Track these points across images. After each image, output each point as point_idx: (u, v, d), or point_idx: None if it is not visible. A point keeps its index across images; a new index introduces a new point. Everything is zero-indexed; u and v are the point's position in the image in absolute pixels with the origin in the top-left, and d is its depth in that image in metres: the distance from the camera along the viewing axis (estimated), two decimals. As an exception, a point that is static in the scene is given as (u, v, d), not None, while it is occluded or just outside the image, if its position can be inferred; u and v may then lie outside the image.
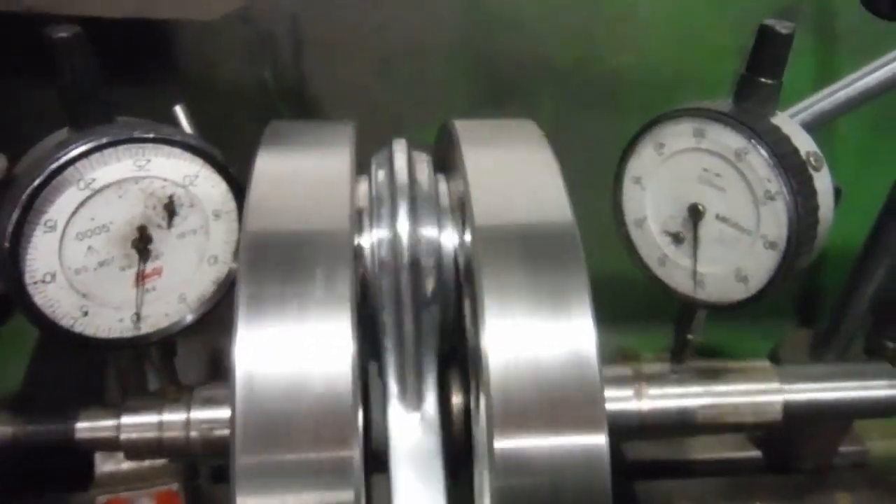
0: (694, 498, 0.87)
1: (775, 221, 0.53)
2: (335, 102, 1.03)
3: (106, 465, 0.82)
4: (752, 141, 0.52)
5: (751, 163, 0.52)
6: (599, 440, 0.45)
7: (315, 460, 0.44)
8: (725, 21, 1.01)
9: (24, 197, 0.47)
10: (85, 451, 0.80)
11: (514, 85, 1.04)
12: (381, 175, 0.54)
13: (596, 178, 0.62)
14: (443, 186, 0.57)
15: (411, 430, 0.51)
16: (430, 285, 0.51)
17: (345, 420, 0.44)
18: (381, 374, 0.52)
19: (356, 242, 0.49)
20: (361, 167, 0.55)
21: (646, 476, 0.88)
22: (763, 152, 0.51)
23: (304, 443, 0.44)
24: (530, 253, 0.49)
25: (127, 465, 0.82)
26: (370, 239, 0.52)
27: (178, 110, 0.59)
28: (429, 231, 0.51)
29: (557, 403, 0.45)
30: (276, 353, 0.45)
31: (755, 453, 0.94)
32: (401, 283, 0.50)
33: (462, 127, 0.58)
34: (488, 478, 0.44)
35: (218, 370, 0.99)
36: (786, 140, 0.52)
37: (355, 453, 0.43)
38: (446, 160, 0.66)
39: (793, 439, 0.90)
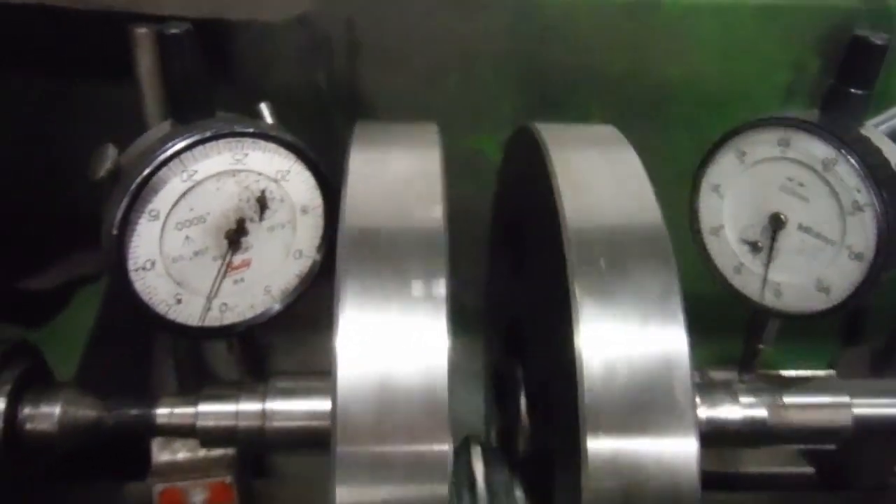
0: None
1: (862, 233, 0.53)
2: (386, 107, 1.04)
3: (162, 454, 0.83)
4: (842, 150, 0.52)
5: (839, 173, 0.53)
6: (690, 445, 0.46)
7: (410, 453, 0.45)
8: (774, 35, 1.01)
9: (133, 186, 0.49)
10: (142, 441, 0.82)
11: (562, 95, 1.05)
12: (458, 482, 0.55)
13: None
14: (519, 493, 0.58)
15: None
16: None
17: (439, 415, 0.45)
18: None
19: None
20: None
21: (698, 488, 0.87)
22: (853, 162, 0.52)
23: (400, 436, 0.45)
24: (622, 258, 0.50)
25: (182, 456, 0.83)
26: None
27: (264, 107, 0.60)
28: None
29: (649, 407, 0.46)
30: (374, 347, 0.46)
31: (808, 469, 0.93)
32: None
33: (546, 130, 0.59)
34: (581, 479, 0.45)
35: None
36: (876, 151, 0.53)
37: (447, 447, 0.44)
38: (522, 166, 0.68)
39: (848, 456, 0.89)
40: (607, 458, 0.45)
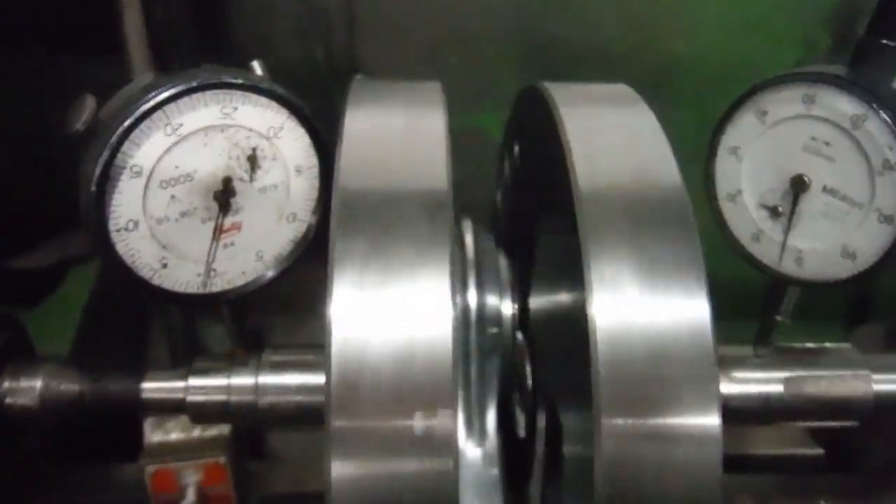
0: (755, 493, 0.84)
1: (893, 194, 0.50)
2: (385, 84, 1.01)
3: (155, 435, 0.81)
4: (873, 105, 0.49)
5: (869, 130, 0.50)
6: (713, 420, 0.43)
7: (412, 427, 0.41)
8: (786, 10, 0.98)
9: (113, 139, 0.46)
10: (135, 421, 0.79)
11: (565, 71, 1.02)
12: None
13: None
14: (503, 261, 0.62)
15: (476, 465, 0.56)
16: (491, 340, 0.57)
17: (443, 387, 0.42)
18: None
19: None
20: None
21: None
22: (885, 118, 0.49)
23: (401, 409, 0.42)
24: (639, 222, 0.46)
25: (175, 436, 0.82)
26: None
27: (256, 65, 0.57)
28: (492, 300, 0.58)
29: (669, 381, 0.43)
30: (372, 316, 0.43)
31: (818, 451, 0.91)
32: (469, 339, 0.56)
33: (555, 89, 0.56)
34: (596, 452, 0.42)
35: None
36: (910, 105, 0.50)
37: (453, 421, 0.41)
38: (528, 126, 0.65)
39: (858, 438, 0.87)
40: (623, 438, 0.42)
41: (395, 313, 0.43)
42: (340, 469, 0.41)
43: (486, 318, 0.58)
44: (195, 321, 0.83)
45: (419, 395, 0.42)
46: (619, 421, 0.42)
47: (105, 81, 0.75)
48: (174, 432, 0.81)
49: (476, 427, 0.57)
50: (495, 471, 0.56)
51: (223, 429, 0.81)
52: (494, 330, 0.58)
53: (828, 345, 0.65)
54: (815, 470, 0.91)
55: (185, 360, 0.62)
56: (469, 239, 0.61)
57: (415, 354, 0.42)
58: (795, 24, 0.97)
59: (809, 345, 0.65)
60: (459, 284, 0.57)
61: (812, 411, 0.63)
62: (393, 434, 0.42)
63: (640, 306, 0.44)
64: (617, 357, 0.43)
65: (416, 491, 0.42)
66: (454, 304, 0.43)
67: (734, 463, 0.88)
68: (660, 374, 0.43)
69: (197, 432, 0.80)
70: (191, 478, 0.79)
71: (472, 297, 0.58)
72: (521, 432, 0.60)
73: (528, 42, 0.99)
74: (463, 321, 0.57)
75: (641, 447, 0.42)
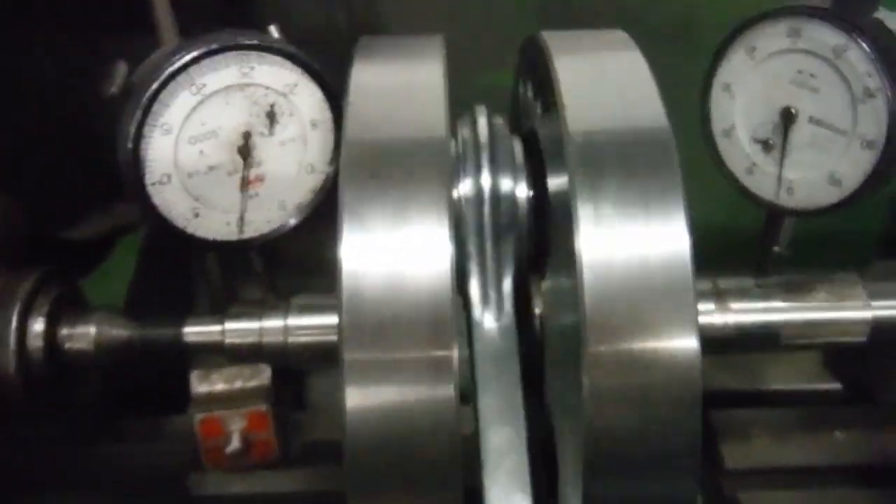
0: (771, 427, 0.86)
1: (874, 119, 0.52)
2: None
3: (201, 386, 0.87)
4: (853, 35, 0.51)
5: (850, 59, 0.52)
6: (691, 343, 0.45)
7: (417, 359, 0.45)
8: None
9: (144, 99, 0.51)
10: (182, 370, 0.85)
11: (584, 24, 1.03)
12: (465, 134, 0.61)
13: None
14: (517, 144, 0.63)
15: (492, 338, 0.56)
16: (505, 219, 0.58)
17: (444, 321, 0.45)
18: (466, 295, 0.57)
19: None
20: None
21: (723, 405, 0.86)
22: (865, 46, 0.51)
23: (407, 342, 0.45)
24: (624, 158, 0.49)
25: (220, 387, 0.87)
26: (458, 184, 0.58)
27: (273, 29, 0.61)
28: (505, 181, 0.59)
29: (649, 306, 0.46)
30: (378, 256, 0.46)
31: (835, 385, 0.92)
32: (483, 217, 0.58)
33: (551, 38, 0.59)
34: (583, 379, 0.45)
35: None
36: (889, 34, 0.51)
37: (453, 353, 0.45)
38: (533, 72, 0.67)
39: (874, 370, 0.89)
40: (608, 359, 0.45)
41: (399, 254, 0.46)
42: (355, 398, 0.45)
43: (500, 199, 0.58)
44: (231, 275, 0.88)
45: (420, 328, 0.45)
46: (604, 347, 0.45)
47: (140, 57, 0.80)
48: (219, 384, 0.86)
49: (493, 301, 0.58)
50: (512, 344, 0.56)
51: (264, 380, 0.85)
52: (507, 203, 0.58)
53: (829, 274, 0.67)
54: (833, 404, 0.92)
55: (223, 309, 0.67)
56: (482, 122, 0.61)
57: (418, 290, 0.45)
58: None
59: (807, 275, 0.68)
60: (473, 167, 0.58)
61: (810, 340, 0.66)
62: (400, 365, 0.45)
63: (623, 238, 0.46)
64: (602, 288, 0.45)
65: (420, 414, 0.45)
66: (452, 242, 0.46)
67: (750, 398, 0.91)
68: (641, 299, 0.45)
69: (239, 383, 0.85)
70: (236, 425, 0.84)
71: (485, 178, 0.58)
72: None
73: (546, -5, 1.00)
74: (476, 201, 0.58)
75: (625, 372, 0.45)
